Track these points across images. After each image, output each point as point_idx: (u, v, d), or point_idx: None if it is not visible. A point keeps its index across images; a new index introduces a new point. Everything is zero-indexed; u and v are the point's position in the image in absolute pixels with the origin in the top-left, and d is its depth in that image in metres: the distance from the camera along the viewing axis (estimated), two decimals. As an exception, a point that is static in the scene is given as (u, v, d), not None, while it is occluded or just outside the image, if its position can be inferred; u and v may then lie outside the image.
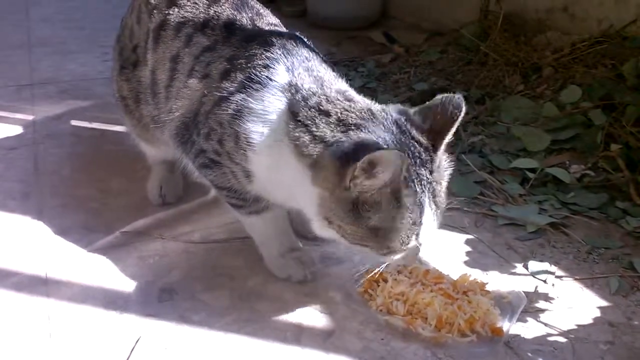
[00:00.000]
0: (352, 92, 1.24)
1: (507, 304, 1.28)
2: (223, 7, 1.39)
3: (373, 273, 1.25)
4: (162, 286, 1.35)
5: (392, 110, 1.18)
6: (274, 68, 1.23)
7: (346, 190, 1.09)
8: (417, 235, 1.13)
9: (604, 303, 1.33)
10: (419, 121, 1.16)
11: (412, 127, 1.15)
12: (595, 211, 1.64)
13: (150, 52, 1.42)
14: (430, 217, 1.14)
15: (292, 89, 1.21)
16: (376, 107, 1.19)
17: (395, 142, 1.12)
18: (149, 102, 1.45)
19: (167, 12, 1.41)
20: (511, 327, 1.24)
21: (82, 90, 2.39)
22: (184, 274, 1.39)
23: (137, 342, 1.20)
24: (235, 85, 1.24)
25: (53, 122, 2.14)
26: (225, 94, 1.25)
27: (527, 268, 1.44)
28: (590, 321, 1.28)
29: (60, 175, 1.80)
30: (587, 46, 2.20)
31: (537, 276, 1.41)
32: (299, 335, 1.24)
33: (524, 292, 1.32)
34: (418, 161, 1.12)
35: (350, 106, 1.17)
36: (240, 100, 1.22)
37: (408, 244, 1.13)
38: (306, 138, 1.14)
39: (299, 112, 1.17)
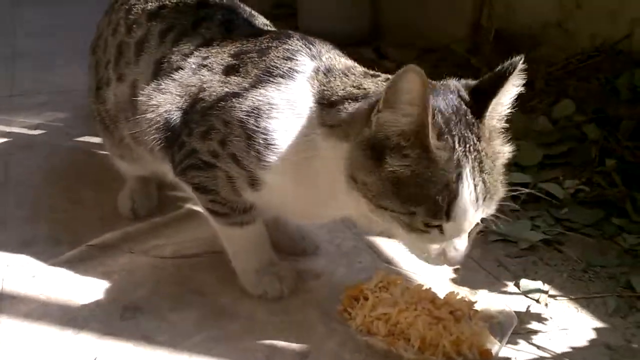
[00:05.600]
0: None
1: (496, 325, 1.20)
2: (213, 8, 1.33)
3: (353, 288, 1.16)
4: (126, 303, 1.26)
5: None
6: (296, 59, 1.14)
7: (368, 129, 0.98)
8: (450, 207, 0.94)
9: (601, 324, 1.25)
10: (466, 81, 1.05)
11: (459, 85, 1.04)
12: (590, 228, 1.56)
13: (132, 65, 1.32)
14: (471, 192, 0.95)
15: (320, 73, 1.12)
16: None
17: (436, 93, 1.00)
18: (129, 119, 1.32)
19: (149, 24, 1.33)
20: (501, 349, 1.15)
21: (62, 102, 2.32)
22: (151, 291, 1.30)
23: (92, 363, 1.10)
24: (249, 80, 1.14)
25: (29, 133, 2.07)
26: (236, 90, 1.14)
27: (518, 286, 1.35)
28: (586, 344, 1.19)
29: (29, 185, 1.71)
30: (580, 60, 2.15)
31: (529, 295, 1.33)
32: (271, 356, 1.14)
33: (515, 312, 1.23)
34: (463, 120, 0.98)
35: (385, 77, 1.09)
36: (258, 96, 1.12)
37: (436, 215, 0.95)
38: (340, 107, 1.05)
39: (332, 92, 1.08)
